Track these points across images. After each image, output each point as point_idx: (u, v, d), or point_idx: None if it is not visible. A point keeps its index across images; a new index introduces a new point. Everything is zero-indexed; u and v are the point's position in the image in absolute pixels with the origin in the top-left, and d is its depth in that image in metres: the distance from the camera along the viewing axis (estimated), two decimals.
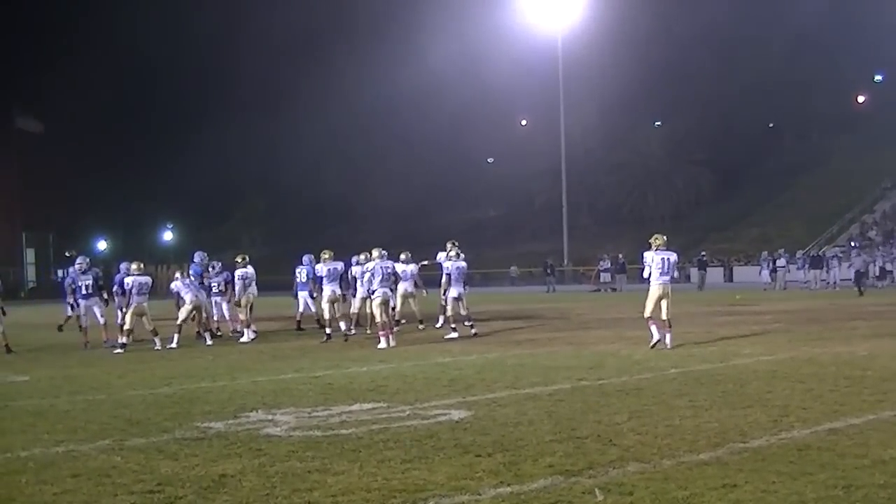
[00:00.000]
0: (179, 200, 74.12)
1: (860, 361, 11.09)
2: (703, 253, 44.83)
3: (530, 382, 9.98)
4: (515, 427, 7.29)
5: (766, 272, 38.31)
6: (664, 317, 13.32)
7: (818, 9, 57.59)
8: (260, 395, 9.59)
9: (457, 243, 17.75)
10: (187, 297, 16.87)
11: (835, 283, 35.94)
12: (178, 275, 17.46)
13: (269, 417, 8.11)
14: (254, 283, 17.95)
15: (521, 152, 69.27)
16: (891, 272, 39.27)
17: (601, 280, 42.70)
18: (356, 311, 17.86)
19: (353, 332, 17.30)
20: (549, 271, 44.79)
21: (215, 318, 18.53)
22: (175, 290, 17.17)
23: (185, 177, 70.79)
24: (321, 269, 17.02)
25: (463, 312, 16.74)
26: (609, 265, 42.62)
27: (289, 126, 72.12)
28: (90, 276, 17.42)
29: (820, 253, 40.67)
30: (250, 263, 18.27)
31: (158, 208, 74.90)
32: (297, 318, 19.30)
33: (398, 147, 74.12)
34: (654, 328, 13.28)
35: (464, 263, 17.30)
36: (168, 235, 77.69)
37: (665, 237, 13.89)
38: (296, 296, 18.92)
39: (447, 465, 6.06)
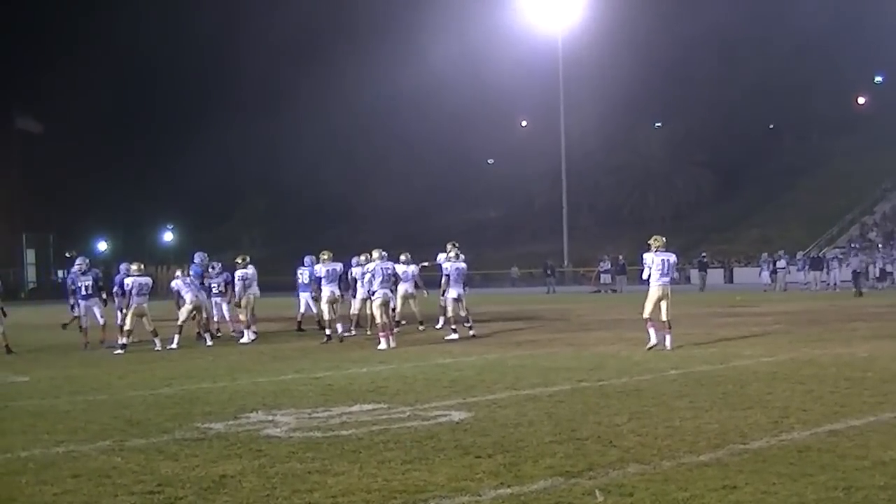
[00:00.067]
0: (180, 201, 74.10)
1: (860, 363, 11.09)
2: (704, 254, 44.82)
3: (530, 383, 9.98)
4: (516, 428, 7.29)
5: (766, 273, 38.31)
6: (664, 318, 13.32)
7: (819, 10, 57.59)
8: (260, 396, 9.59)
9: (457, 244, 17.75)
10: (188, 296, 16.86)
11: (835, 284, 35.94)
12: (178, 273, 17.47)
13: (270, 418, 8.11)
14: (255, 284, 17.95)
15: (521, 153, 69.31)
16: (891, 273, 39.25)
17: (601, 281, 42.70)
18: (356, 312, 17.87)
19: (352, 333, 17.31)
20: (548, 272, 44.80)
21: (215, 319, 18.53)
22: (175, 288, 17.17)
23: (186, 177, 70.77)
24: (320, 269, 17.01)
25: (462, 313, 16.75)
26: (609, 266, 42.62)
27: (289, 126, 72.16)
28: (90, 277, 17.42)
29: (820, 254, 40.68)
30: (251, 264, 18.27)
31: (158, 209, 74.88)
32: (298, 319, 19.32)
33: (398, 147, 74.16)
34: (652, 331, 13.29)
35: (463, 264, 17.29)
36: (168, 236, 77.68)
37: (664, 238, 13.91)
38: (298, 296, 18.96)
39: (447, 466, 6.06)
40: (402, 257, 17.68)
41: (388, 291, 15.69)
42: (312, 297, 18.50)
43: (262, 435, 7.33)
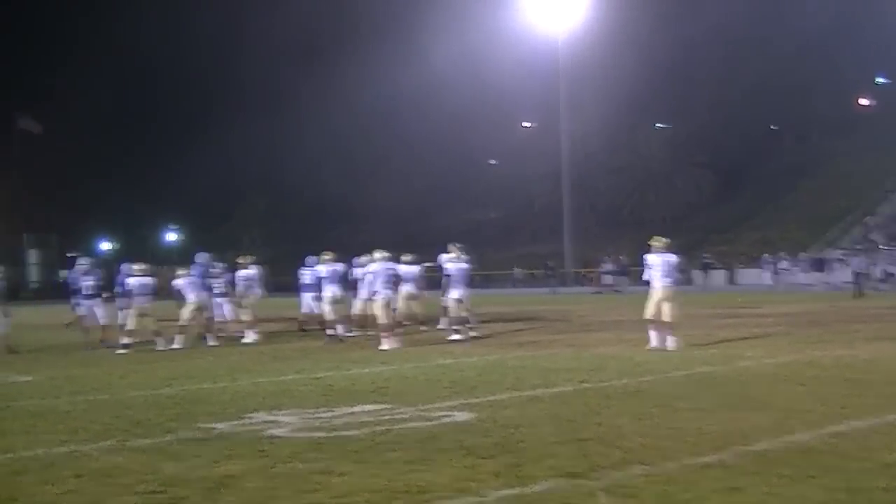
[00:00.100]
0: (181, 201, 74.11)
1: (862, 365, 11.09)
2: (706, 255, 44.81)
3: (532, 384, 9.98)
4: (518, 429, 7.29)
5: (767, 274, 38.31)
6: (666, 319, 13.32)
7: (819, 11, 57.60)
8: (262, 397, 9.59)
9: (460, 246, 17.75)
10: (190, 295, 16.86)
11: (836, 285, 35.93)
12: (180, 271, 17.47)
13: (272, 419, 8.11)
14: (256, 285, 17.94)
15: (521, 154, 69.28)
16: (893, 275, 39.23)
17: (603, 282, 42.70)
18: (358, 312, 17.86)
19: (353, 333, 17.31)
20: (549, 273, 44.80)
21: (217, 319, 18.52)
22: (177, 287, 17.18)
23: (187, 177, 70.81)
24: (322, 269, 17.02)
25: (464, 314, 16.75)
26: (611, 267, 42.62)
27: (290, 127, 72.21)
28: (92, 277, 17.43)
29: (821, 255, 40.68)
30: (254, 264, 18.27)
31: (160, 209, 74.89)
32: (300, 320, 19.32)
33: (399, 148, 74.16)
34: (652, 333, 13.29)
35: (466, 265, 17.30)
36: (171, 236, 77.70)
37: (666, 239, 13.91)
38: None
39: (450, 466, 6.06)
40: (405, 258, 17.67)
41: (389, 292, 15.71)
42: (314, 298, 18.50)
43: (265, 435, 7.32)
